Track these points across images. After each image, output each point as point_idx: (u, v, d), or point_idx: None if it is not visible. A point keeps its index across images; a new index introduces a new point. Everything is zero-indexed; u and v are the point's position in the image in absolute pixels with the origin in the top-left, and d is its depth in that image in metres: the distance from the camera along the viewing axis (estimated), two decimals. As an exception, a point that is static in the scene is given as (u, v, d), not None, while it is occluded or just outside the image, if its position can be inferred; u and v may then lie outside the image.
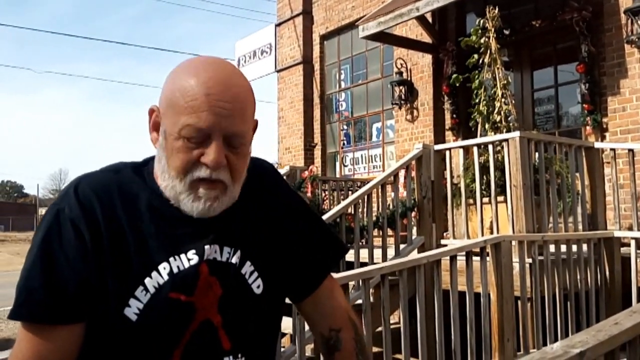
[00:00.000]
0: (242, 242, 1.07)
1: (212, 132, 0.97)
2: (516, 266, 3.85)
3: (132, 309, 0.96)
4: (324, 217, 4.31)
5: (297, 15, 10.22)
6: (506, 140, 4.30)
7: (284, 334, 4.00)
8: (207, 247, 1.02)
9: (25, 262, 0.98)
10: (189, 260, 1.01)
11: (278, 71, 10.67)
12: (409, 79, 8.17)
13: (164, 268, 0.99)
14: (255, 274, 1.07)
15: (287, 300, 1.23)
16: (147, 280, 0.98)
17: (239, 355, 1.04)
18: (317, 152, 9.95)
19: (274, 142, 10.73)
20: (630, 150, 4.85)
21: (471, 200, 4.62)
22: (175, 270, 0.99)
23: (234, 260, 1.05)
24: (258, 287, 1.07)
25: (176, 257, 1.00)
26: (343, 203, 4.52)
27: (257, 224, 1.11)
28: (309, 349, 3.79)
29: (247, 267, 1.06)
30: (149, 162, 1.09)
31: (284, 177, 6.27)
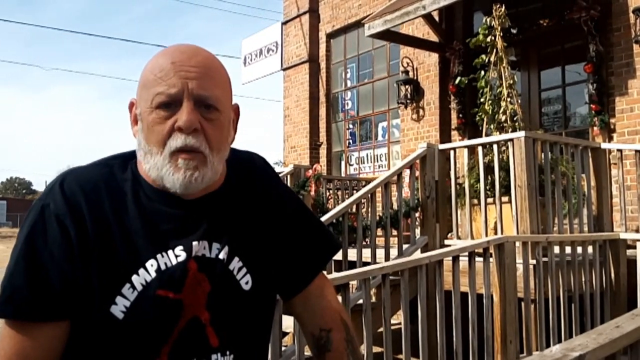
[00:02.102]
0: (230, 237, 1.05)
1: (181, 96, 0.98)
2: (520, 267, 3.80)
3: (119, 307, 0.95)
4: (327, 215, 4.29)
5: (304, 13, 10.20)
6: (511, 140, 4.26)
7: (286, 333, 3.97)
8: (195, 243, 1.01)
9: (10, 258, 0.96)
10: (176, 256, 0.99)
11: (284, 69, 10.66)
12: (415, 78, 8.13)
13: (151, 265, 0.97)
14: (244, 270, 1.05)
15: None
16: (134, 278, 0.96)
17: (227, 353, 1.02)
18: (323, 151, 9.93)
19: (280, 140, 10.72)
20: (638, 152, 4.78)
21: (475, 201, 4.58)
22: (162, 267, 0.98)
23: (222, 256, 1.03)
24: (247, 283, 1.05)
25: (163, 253, 0.99)
26: (346, 202, 4.49)
27: (246, 219, 1.09)
28: (309, 349, 3.77)
29: (235, 263, 1.04)
30: (134, 153, 1.07)
31: (289, 175, 6.28)
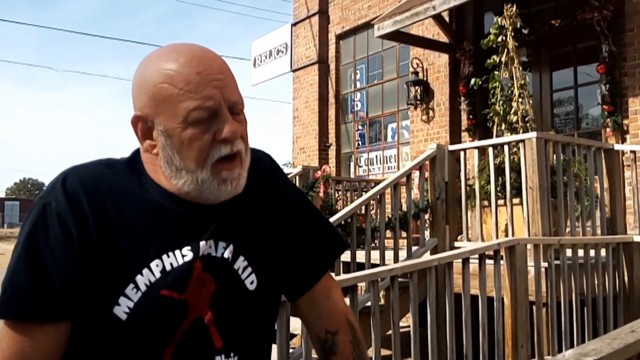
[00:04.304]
0: (235, 236, 1.03)
1: (218, 107, 0.94)
2: (531, 270, 3.75)
3: (122, 308, 0.93)
4: (336, 216, 4.26)
5: (313, 14, 10.19)
6: (522, 140, 4.20)
7: (294, 335, 3.95)
8: (202, 242, 0.98)
9: (11, 258, 0.94)
10: (183, 256, 0.97)
11: (294, 71, 10.65)
12: (425, 79, 8.08)
13: (156, 265, 0.95)
14: (249, 270, 1.03)
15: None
16: (138, 278, 0.94)
17: (231, 354, 1.00)
18: (332, 153, 9.90)
19: (289, 142, 10.72)
20: (652, 153, 4.71)
21: (486, 202, 4.52)
22: (167, 267, 0.95)
23: (227, 254, 1.00)
24: (251, 283, 1.03)
25: (169, 253, 0.96)
26: (354, 203, 4.45)
27: (252, 217, 1.06)
28: (315, 351, 3.73)
29: (240, 262, 1.02)
30: (137, 156, 1.04)
31: (298, 176, 6.25)
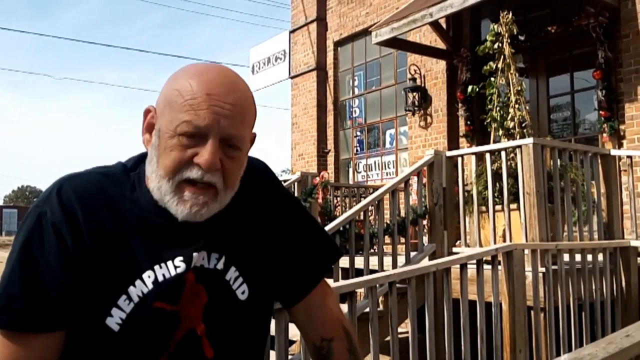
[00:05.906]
0: (228, 246, 1.03)
1: (209, 131, 0.93)
2: (529, 275, 3.76)
3: (115, 319, 0.93)
4: (334, 222, 4.27)
5: (311, 22, 10.23)
6: (519, 146, 4.22)
7: (293, 342, 3.95)
8: (195, 254, 0.99)
9: (5, 266, 0.94)
10: (175, 267, 0.97)
11: (292, 77, 10.68)
12: (422, 85, 8.12)
13: (148, 276, 0.96)
14: (240, 280, 1.04)
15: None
16: (130, 289, 0.95)
17: None
18: (330, 159, 9.92)
19: (287, 148, 10.73)
20: (648, 158, 4.73)
21: (483, 208, 4.54)
22: (160, 278, 0.96)
23: (220, 266, 1.01)
24: (243, 293, 1.04)
25: (162, 264, 0.97)
26: (353, 209, 4.46)
27: (244, 226, 1.07)
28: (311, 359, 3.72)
29: (232, 273, 1.03)
30: (140, 164, 1.05)
31: (296, 182, 6.26)
